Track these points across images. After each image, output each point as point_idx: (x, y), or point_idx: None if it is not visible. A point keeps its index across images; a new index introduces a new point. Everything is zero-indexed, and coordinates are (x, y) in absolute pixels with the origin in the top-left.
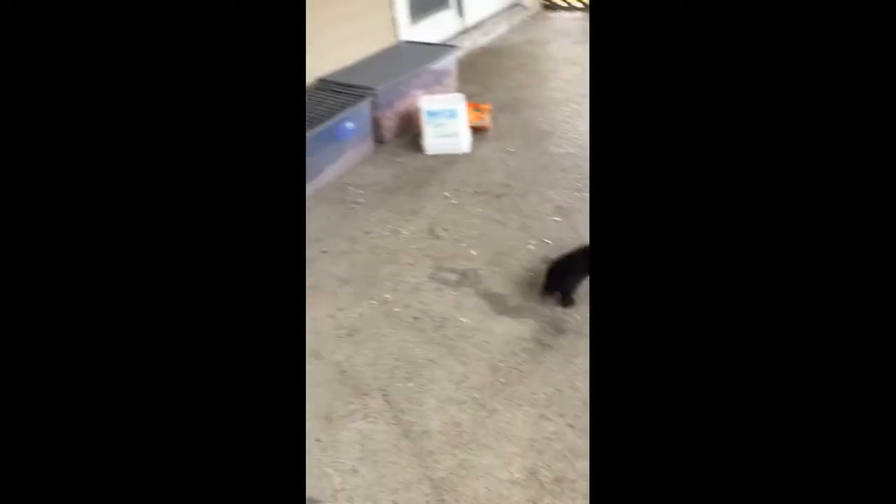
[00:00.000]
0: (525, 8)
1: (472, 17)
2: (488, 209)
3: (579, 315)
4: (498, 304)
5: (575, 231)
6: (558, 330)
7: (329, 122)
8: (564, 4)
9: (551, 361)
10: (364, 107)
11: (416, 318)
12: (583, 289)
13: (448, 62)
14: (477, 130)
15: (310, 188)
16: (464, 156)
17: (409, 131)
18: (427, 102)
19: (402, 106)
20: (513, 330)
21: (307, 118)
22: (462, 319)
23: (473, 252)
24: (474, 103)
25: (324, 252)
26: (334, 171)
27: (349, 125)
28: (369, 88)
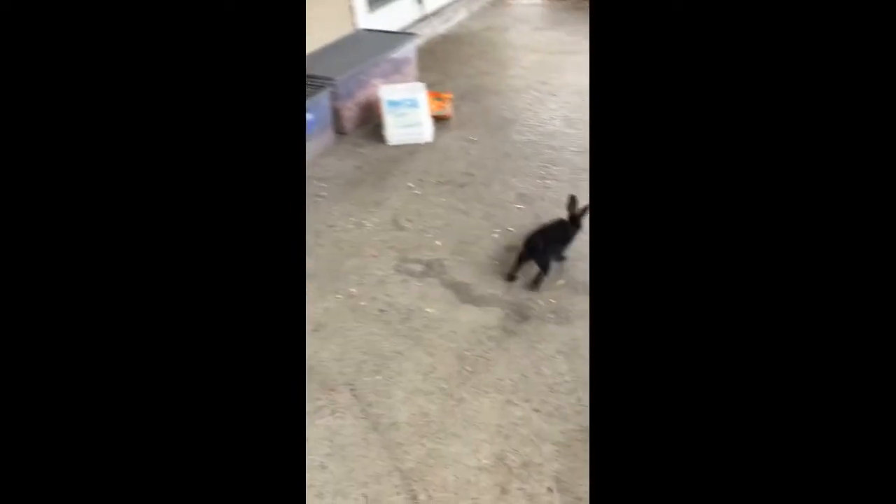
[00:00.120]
0: None
1: (430, 4)
2: (452, 199)
3: (543, 301)
4: (463, 293)
5: (538, 218)
6: (523, 316)
7: None
8: None
9: (516, 348)
10: (323, 97)
11: (381, 311)
12: (549, 272)
13: (407, 50)
14: (439, 119)
15: None
16: (426, 145)
17: (370, 121)
18: (387, 92)
19: (362, 96)
20: (478, 318)
21: None
22: (428, 310)
23: (438, 242)
24: (435, 92)
25: None
26: None
27: (309, 116)
28: (328, 78)
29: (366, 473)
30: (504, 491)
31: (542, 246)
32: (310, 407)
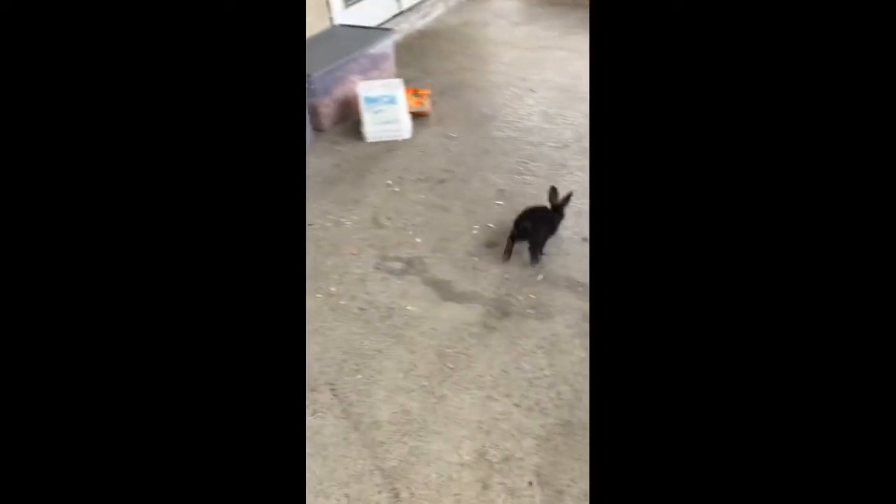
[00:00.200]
0: None
1: None
2: (431, 196)
3: (522, 297)
4: (444, 290)
5: (517, 214)
6: (503, 312)
7: None
8: None
9: (497, 344)
10: None
11: (362, 310)
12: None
13: (385, 46)
14: (417, 116)
15: None
16: (405, 142)
17: (348, 118)
18: (365, 88)
19: (339, 92)
20: (459, 315)
21: None
22: (409, 308)
23: (418, 239)
24: (413, 88)
25: None
26: None
27: None
28: (305, 75)
29: (347, 473)
30: (485, 486)
31: (531, 224)
32: None
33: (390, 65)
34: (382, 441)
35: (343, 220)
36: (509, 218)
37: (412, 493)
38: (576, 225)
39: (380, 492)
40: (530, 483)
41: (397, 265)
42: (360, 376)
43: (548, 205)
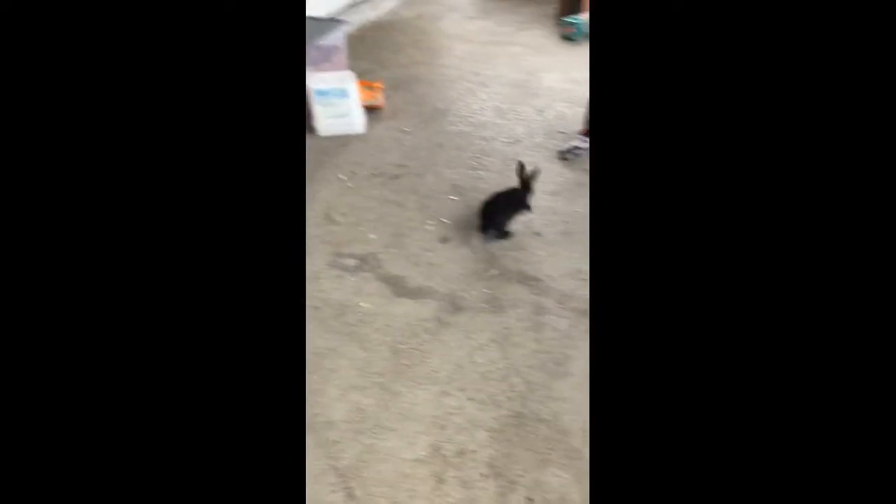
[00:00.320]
0: None
1: None
2: (385, 191)
3: (476, 291)
4: (398, 286)
5: (472, 209)
6: (457, 307)
7: None
8: None
9: (451, 339)
10: None
11: (315, 308)
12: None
13: (337, 38)
14: (370, 109)
15: None
16: (357, 136)
17: None
18: (316, 81)
19: None
20: (413, 311)
21: None
22: (363, 305)
23: (372, 235)
24: (366, 81)
25: None
26: None
27: None
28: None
29: None
30: (440, 480)
31: (494, 211)
32: None
33: (342, 57)
34: (336, 440)
35: None
36: (464, 213)
37: (366, 492)
38: (528, 220)
39: (334, 491)
40: (483, 475)
41: (351, 262)
42: (314, 376)
43: (517, 180)
